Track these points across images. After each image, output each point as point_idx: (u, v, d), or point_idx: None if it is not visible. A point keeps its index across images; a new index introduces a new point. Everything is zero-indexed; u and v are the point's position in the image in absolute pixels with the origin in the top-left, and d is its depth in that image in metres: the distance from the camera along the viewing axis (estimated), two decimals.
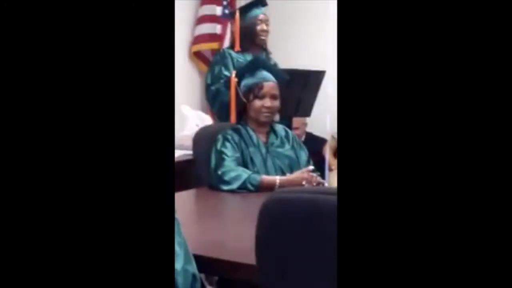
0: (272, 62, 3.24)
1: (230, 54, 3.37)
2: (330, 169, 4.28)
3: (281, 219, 1.06)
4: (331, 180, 4.13)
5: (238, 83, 2.57)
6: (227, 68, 3.31)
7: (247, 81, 2.52)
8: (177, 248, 1.14)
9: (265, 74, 2.52)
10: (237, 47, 3.37)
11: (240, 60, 3.32)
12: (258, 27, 3.38)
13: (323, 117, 3.87)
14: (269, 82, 2.50)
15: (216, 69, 3.37)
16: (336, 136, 4.42)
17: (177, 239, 1.15)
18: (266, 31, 3.41)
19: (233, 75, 2.67)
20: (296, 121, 4.00)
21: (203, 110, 4.13)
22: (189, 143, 2.80)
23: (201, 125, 3.30)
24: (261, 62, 2.64)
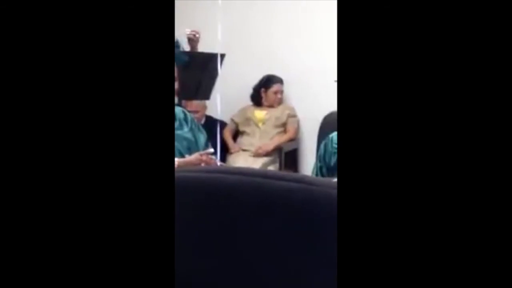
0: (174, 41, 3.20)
1: None
2: (230, 152, 4.31)
3: (177, 198, 1.06)
4: (230, 163, 4.16)
5: None
6: None
7: None
8: None
9: None
10: None
11: None
12: None
13: (214, 97, 3.85)
14: None
15: None
16: (235, 119, 4.46)
17: None
18: None
19: None
20: (196, 104, 3.98)
21: None
22: None
23: None
24: None
